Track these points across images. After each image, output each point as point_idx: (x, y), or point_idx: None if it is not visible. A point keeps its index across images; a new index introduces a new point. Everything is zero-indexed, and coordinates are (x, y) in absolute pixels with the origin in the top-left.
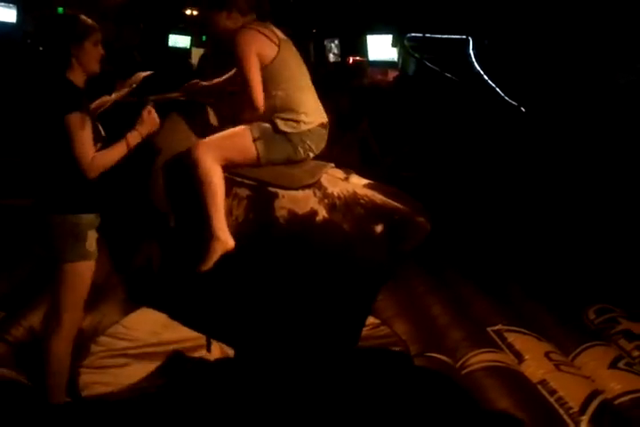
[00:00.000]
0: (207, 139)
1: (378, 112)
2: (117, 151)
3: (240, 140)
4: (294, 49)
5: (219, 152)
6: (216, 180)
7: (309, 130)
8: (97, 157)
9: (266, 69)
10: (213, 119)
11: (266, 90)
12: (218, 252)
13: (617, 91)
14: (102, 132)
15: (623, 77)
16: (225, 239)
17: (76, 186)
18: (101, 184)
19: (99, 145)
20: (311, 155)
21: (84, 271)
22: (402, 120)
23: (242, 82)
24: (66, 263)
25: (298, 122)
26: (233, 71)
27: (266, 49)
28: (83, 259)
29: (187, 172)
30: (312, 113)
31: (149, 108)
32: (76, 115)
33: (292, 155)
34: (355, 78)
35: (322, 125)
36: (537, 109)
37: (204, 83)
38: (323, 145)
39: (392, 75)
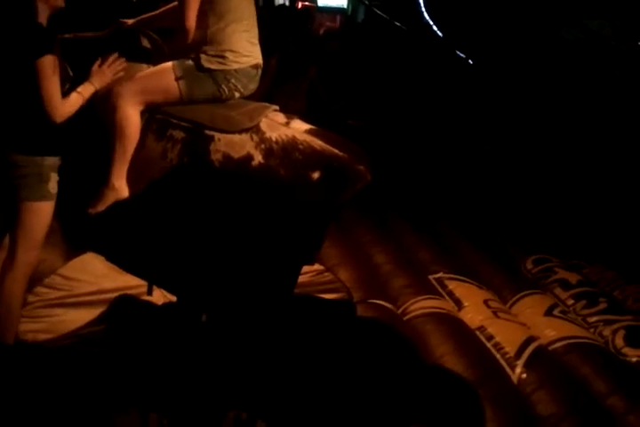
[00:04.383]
0: (128, 83)
1: (328, 59)
2: (75, 101)
3: (162, 80)
4: None
5: (139, 97)
6: (130, 130)
7: (236, 70)
8: (63, 103)
9: None
10: (157, 52)
11: (203, 17)
12: (109, 199)
13: (564, 47)
14: (70, 73)
15: (570, 33)
16: (119, 188)
17: (43, 128)
18: (66, 127)
19: (67, 85)
20: (237, 95)
21: (43, 211)
22: (351, 68)
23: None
24: (27, 202)
25: (223, 58)
26: (163, 9)
27: None
28: (44, 199)
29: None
30: (242, 53)
31: (99, 61)
32: (48, 58)
33: (216, 93)
34: (303, 24)
35: (253, 66)
36: (484, 62)
37: (130, 21)
38: (253, 86)
39: (341, 21)
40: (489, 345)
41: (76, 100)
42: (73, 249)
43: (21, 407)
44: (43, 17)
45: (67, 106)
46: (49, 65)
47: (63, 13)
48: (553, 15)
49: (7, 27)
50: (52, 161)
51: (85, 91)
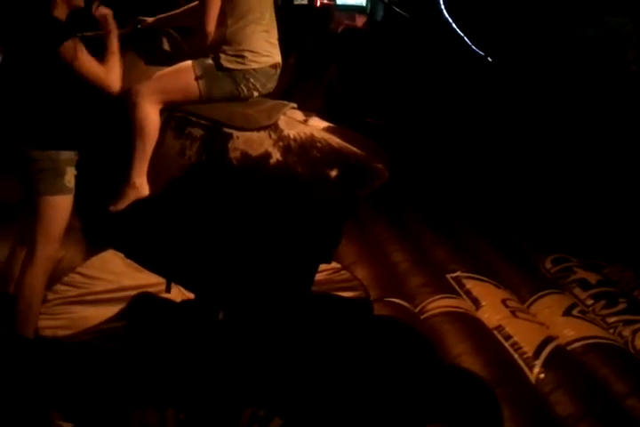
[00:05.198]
0: (147, 82)
1: (348, 58)
2: (114, 61)
3: (182, 79)
4: None
5: (158, 95)
6: (149, 128)
7: (255, 69)
8: (108, 72)
9: None
10: (176, 51)
11: (223, 17)
12: (130, 197)
13: (585, 44)
14: None
15: (591, 31)
16: (140, 186)
17: (57, 123)
18: (81, 123)
19: None
20: (256, 94)
21: (61, 205)
22: (369, 66)
23: (200, 2)
24: (44, 196)
25: (243, 58)
26: (183, 8)
27: None
28: (61, 193)
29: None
30: (261, 53)
31: (95, 5)
32: (69, 43)
33: (235, 92)
34: (322, 23)
35: (272, 66)
36: (504, 60)
37: (149, 19)
38: (271, 85)
39: (360, 20)
40: (507, 345)
41: (113, 59)
42: (92, 247)
43: (40, 402)
44: (61, 13)
45: (111, 71)
46: (73, 48)
47: (83, 11)
48: (573, 12)
49: (25, 23)
50: (68, 155)
51: (112, 45)
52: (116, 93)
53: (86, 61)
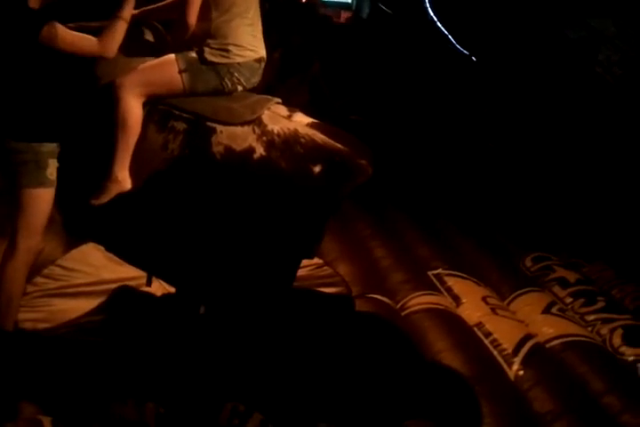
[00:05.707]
0: (131, 75)
1: (331, 54)
2: (118, 29)
3: (165, 72)
4: None
5: (142, 88)
6: (132, 122)
7: (239, 63)
8: (102, 39)
9: None
10: (160, 43)
11: (207, 10)
12: (112, 192)
13: (569, 46)
14: None
15: (575, 33)
16: (122, 179)
17: (39, 115)
18: (64, 115)
19: None
20: (240, 88)
21: (42, 198)
22: (354, 63)
23: None
24: (26, 189)
25: (227, 52)
26: (167, 1)
27: None
28: (42, 186)
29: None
30: (246, 46)
31: None
32: (47, 27)
33: (219, 86)
34: (307, 18)
35: (256, 60)
36: (488, 59)
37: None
38: (255, 80)
39: (345, 16)
40: (487, 342)
41: (116, 23)
42: (72, 240)
43: (19, 395)
44: (35, 4)
45: (107, 36)
46: (51, 31)
47: (66, 3)
48: (557, 13)
49: (1, 15)
50: (51, 148)
51: (122, 9)
52: (111, 58)
53: (69, 36)
